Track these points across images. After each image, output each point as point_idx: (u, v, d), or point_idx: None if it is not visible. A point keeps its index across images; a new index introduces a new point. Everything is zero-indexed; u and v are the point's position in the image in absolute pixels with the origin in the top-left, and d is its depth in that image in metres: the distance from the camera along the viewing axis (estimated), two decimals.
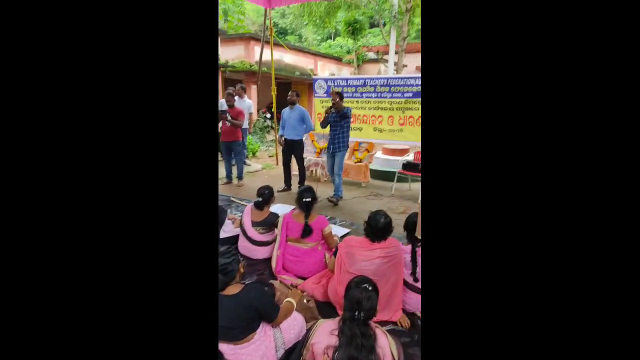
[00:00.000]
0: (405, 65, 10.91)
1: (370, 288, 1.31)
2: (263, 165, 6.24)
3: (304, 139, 4.66)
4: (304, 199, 2.44)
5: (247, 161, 5.97)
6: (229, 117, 4.47)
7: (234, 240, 2.92)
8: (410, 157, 4.86)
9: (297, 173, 4.70)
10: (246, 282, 1.63)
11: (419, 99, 4.74)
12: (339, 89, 4.50)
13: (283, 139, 4.53)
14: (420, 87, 4.70)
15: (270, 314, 1.60)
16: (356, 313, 1.24)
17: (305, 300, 1.93)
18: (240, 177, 4.92)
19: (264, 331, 1.61)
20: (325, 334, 1.28)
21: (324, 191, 4.55)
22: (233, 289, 1.54)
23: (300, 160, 4.63)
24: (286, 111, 4.50)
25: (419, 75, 5.02)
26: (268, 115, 9.67)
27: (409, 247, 2.11)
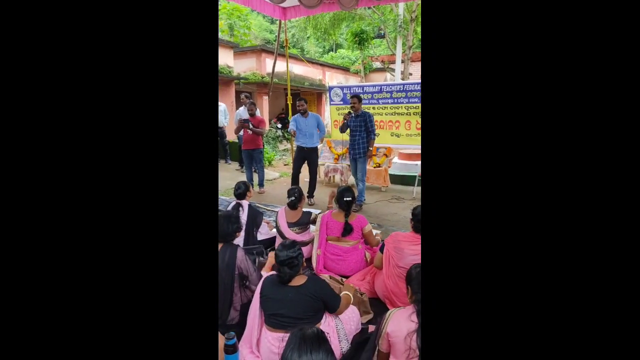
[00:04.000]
0: (411, 74, 11.04)
1: None
2: (280, 173, 6.31)
3: (320, 146, 4.62)
4: (344, 198, 2.49)
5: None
6: (251, 126, 4.56)
7: (269, 242, 2.97)
8: None
9: (308, 180, 4.53)
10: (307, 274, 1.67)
11: None
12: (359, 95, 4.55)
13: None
14: None
15: (335, 303, 1.64)
16: None
17: (359, 294, 1.96)
18: (261, 184, 4.99)
19: (327, 323, 1.65)
20: (403, 321, 1.29)
21: None
22: (299, 280, 1.59)
23: (315, 168, 4.45)
24: (300, 119, 4.28)
25: None
26: (279, 125, 9.77)
27: None
